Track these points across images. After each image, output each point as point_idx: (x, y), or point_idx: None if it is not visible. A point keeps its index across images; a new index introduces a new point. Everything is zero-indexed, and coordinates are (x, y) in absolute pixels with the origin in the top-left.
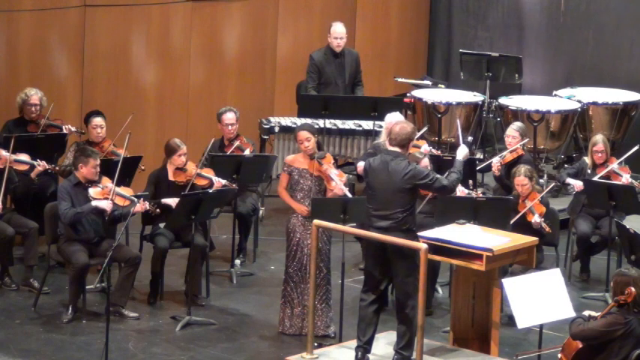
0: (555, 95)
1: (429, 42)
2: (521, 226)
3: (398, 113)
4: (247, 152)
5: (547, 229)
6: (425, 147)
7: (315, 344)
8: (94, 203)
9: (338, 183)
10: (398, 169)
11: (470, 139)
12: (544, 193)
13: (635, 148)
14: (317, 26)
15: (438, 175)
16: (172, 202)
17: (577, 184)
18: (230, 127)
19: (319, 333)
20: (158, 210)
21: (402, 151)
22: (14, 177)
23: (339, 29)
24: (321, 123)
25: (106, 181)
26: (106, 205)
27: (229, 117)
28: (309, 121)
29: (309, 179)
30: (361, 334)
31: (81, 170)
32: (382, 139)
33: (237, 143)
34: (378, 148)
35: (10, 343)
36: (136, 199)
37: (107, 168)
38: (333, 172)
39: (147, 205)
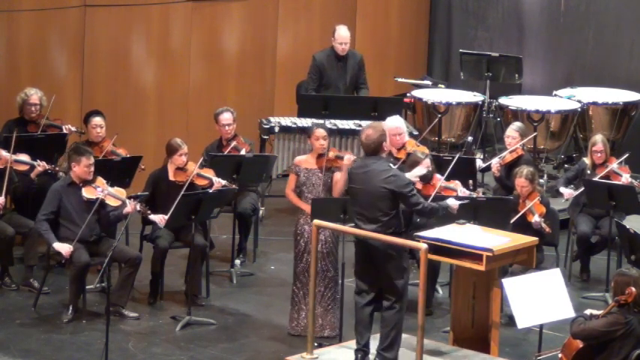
0: (555, 95)
1: (429, 42)
2: (521, 227)
3: (398, 117)
4: (243, 152)
5: (547, 229)
6: (427, 157)
7: (315, 344)
8: (55, 245)
9: (345, 157)
10: (378, 170)
11: (470, 139)
12: (542, 193)
13: (626, 155)
14: (317, 26)
15: (417, 192)
16: (157, 218)
17: (566, 193)
18: (227, 128)
19: (325, 334)
20: (149, 211)
21: (380, 154)
22: (14, 177)
23: (343, 33)
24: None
25: (100, 182)
26: (64, 250)
27: (226, 117)
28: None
29: (318, 179)
30: (359, 338)
31: (74, 169)
32: None
33: (234, 143)
34: None
35: (10, 343)
36: (127, 201)
37: (107, 168)
38: (339, 153)
39: (137, 207)
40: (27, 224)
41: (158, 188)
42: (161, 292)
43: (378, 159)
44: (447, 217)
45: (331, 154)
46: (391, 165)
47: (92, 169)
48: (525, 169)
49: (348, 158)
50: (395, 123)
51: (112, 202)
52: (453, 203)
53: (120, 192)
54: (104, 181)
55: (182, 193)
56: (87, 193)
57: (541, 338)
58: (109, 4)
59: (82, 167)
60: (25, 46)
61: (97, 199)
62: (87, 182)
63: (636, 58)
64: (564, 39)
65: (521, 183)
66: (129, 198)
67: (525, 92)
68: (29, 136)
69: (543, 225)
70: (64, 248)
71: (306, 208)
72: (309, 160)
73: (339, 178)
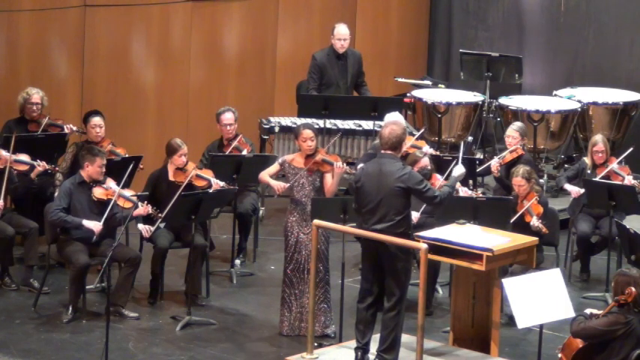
0: (555, 95)
1: (429, 42)
2: (521, 226)
3: (397, 113)
4: (245, 152)
5: (544, 229)
6: (426, 148)
7: (315, 344)
8: (84, 222)
9: (336, 164)
10: (392, 170)
11: (470, 139)
12: (541, 193)
13: (630, 149)
14: (317, 26)
15: (431, 186)
16: (144, 229)
17: (574, 191)
18: (229, 127)
19: (317, 333)
20: (160, 215)
21: (394, 153)
22: (14, 177)
23: (342, 30)
24: (321, 123)
25: (111, 182)
26: (94, 227)
27: (228, 117)
28: (308, 121)
29: (305, 178)
30: (360, 337)
31: (87, 169)
32: None
33: (234, 143)
34: (377, 149)
35: (10, 343)
36: (139, 203)
37: (106, 168)
38: (327, 158)
39: (149, 209)
40: (27, 224)
41: (158, 188)
42: (161, 292)
43: (391, 157)
44: (447, 217)
45: (319, 157)
46: (403, 164)
47: (104, 169)
48: (522, 169)
49: (339, 166)
50: (394, 118)
51: (122, 204)
52: (458, 172)
53: (131, 194)
54: (114, 182)
55: (179, 193)
56: (97, 193)
57: (541, 338)
58: (109, 4)
59: (96, 167)
60: (25, 46)
61: (108, 199)
62: (97, 182)
63: (636, 58)
64: (564, 39)
65: (517, 182)
66: None
67: (525, 92)
68: (29, 136)
69: (540, 226)
70: (95, 226)
71: (274, 184)
72: (297, 159)
73: (331, 182)
